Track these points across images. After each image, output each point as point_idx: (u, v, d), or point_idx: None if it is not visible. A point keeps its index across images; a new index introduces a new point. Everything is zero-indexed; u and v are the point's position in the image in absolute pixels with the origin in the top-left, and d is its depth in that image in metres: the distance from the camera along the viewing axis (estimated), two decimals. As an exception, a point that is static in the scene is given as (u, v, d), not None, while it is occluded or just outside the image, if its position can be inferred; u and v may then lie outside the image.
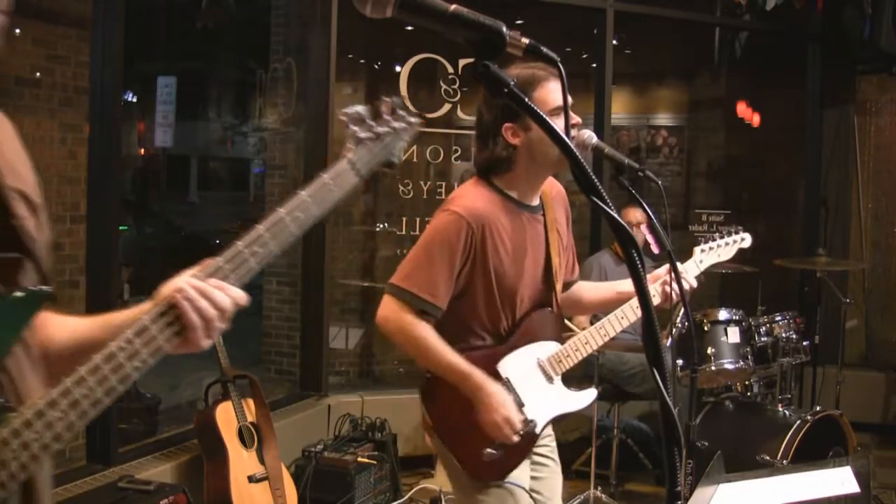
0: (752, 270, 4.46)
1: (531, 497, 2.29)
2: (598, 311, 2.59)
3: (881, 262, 6.11)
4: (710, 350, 3.90)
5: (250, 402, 3.68)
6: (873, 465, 4.74)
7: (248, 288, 1.16)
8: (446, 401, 2.17)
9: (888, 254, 6.10)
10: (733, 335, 3.93)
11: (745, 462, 3.60)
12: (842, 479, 1.67)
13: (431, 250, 2.14)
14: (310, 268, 4.82)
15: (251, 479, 3.49)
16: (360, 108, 1.27)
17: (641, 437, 4.79)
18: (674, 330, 3.92)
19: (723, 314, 3.98)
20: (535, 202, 2.27)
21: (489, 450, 2.11)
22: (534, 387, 2.24)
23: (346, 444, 4.12)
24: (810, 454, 3.62)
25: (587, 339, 2.31)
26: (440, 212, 2.18)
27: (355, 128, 1.26)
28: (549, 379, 2.29)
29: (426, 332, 2.12)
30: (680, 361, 3.89)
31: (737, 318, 3.97)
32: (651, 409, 4.87)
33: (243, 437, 3.55)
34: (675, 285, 2.26)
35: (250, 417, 3.62)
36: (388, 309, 2.15)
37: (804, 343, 4.10)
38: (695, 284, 2.42)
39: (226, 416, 3.53)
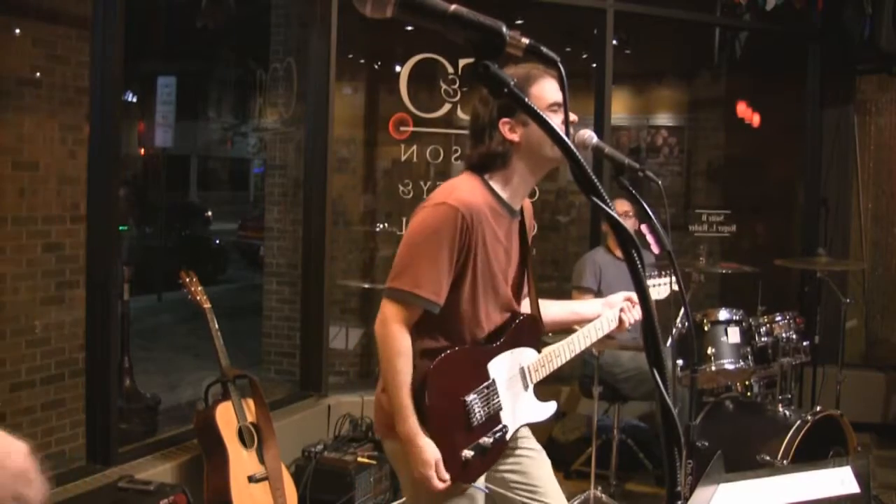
0: (752, 270, 4.46)
1: (515, 491, 2.33)
2: (553, 330, 2.59)
3: (881, 262, 6.11)
4: (710, 350, 3.90)
5: (250, 402, 3.68)
6: (873, 465, 4.74)
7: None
8: (436, 398, 2.11)
9: (888, 254, 6.10)
10: (733, 335, 3.93)
11: (745, 462, 3.60)
12: (842, 479, 1.67)
13: (430, 245, 2.07)
14: (310, 268, 4.82)
15: (251, 479, 3.49)
16: None
17: (641, 437, 4.79)
18: (674, 330, 3.92)
19: (723, 314, 3.98)
20: (518, 207, 2.26)
21: (467, 451, 2.11)
22: (513, 392, 2.25)
23: (346, 444, 4.12)
24: (810, 454, 3.62)
25: (559, 353, 2.35)
26: (433, 206, 2.11)
27: None
28: (525, 386, 2.30)
29: (403, 353, 2.07)
30: (680, 361, 3.89)
31: (737, 318, 3.97)
32: (651, 409, 4.87)
33: (243, 437, 3.55)
34: (635, 312, 2.44)
35: (250, 417, 3.62)
36: (388, 314, 2.09)
37: (804, 343, 4.10)
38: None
39: (226, 416, 3.53)
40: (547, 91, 2.16)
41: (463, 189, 2.14)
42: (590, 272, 4.52)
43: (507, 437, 2.23)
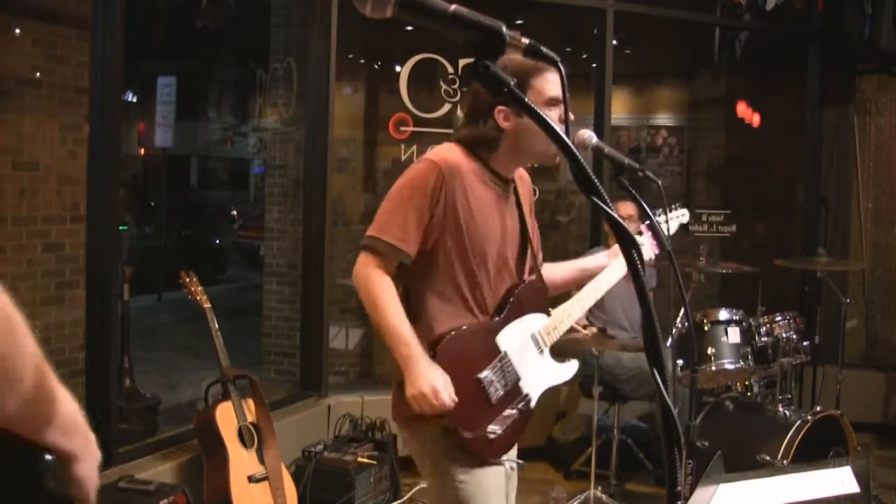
0: (753, 270, 4.46)
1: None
2: (566, 289, 2.59)
3: (881, 262, 6.11)
4: (710, 350, 3.90)
5: (250, 402, 3.68)
6: (873, 465, 4.74)
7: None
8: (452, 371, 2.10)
9: (888, 254, 6.11)
10: (733, 335, 3.93)
11: (745, 462, 3.60)
12: (842, 479, 1.67)
13: (402, 195, 2.11)
14: (310, 268, 4.82)
15: (251, 479, 3.49)
16: None
17: (641, 437, 4.79)
18: (674, 330, 3.92)
19: (723, 314, 3.98)
20: (509, 176, 2.26)
21: (493, 426, 2.11)
22: (528, 360, 2.25)
23: (346, 444, 4.12)
24: (810, 454, 3.62)
25: (569, 311, 2.35)
26: (412, 165, 2.16)
27: None
28: (541, 351, 2.30)
29: (384, 289, 2.08)
30: (680, 361, 3.89)
31: (737, 318, 3.97)
32: (651, 409, 4.87)
33: (243, 437, 3.55)
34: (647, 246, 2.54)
35: (250, 417, 3.62)
36: (360, 263, 2.11)
37: (804, 343, 4.09)
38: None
39: (226, 417, 3.53)
40: (549, 84, 2.16)
41: (444, 150, 2.18)
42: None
43: (532, 405, 2.23)
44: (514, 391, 2.19)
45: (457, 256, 2.14)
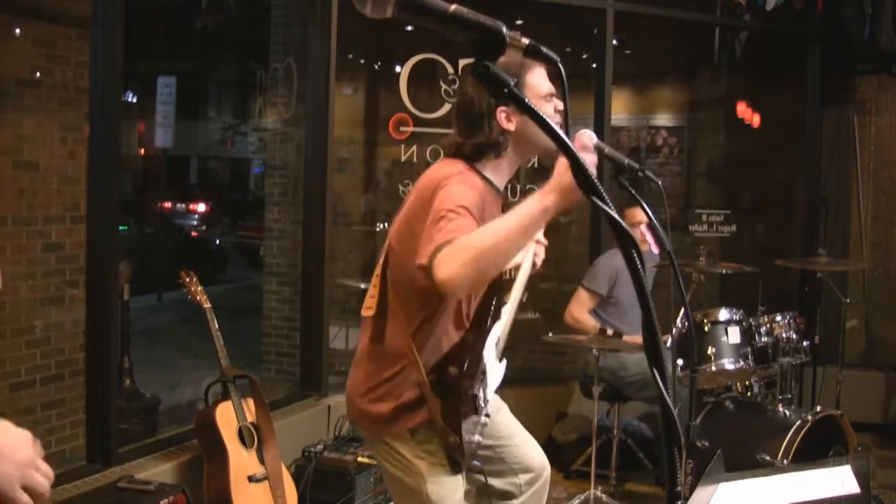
0: (753, 270, 4.46)
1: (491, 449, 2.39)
2: None
3: (881, 262, 6.11)
4: (710, 350, 3.90)
5: (250, 402, 3.68)
6: (873, 465, 4.74)
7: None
8: (454, 390, 2.15)
9: (888, 254, 6.11)
10: (733, 335, 3.93)
11: (745, 462, 3.60)
12: (842, 479, 1.67)
13: (459, 208, 1.93)
14: (310, 268, 4.82)
15: (251, 479, 3.49)
16: None
17: (641, 437, 4.79)
18: (674, 330, 3.92)
19: (723, 314, 3.98)
20: (502, 188, 2.26)
21: (475, 437, 2.17)
22: (491, 364, 2.29)
23: (346, 444, 4.12)
24: (810, 454, 3.62)
25: (509, 317, 2.39)
26: (447, 180, 2.02)
27: None
28: (498, 357, 2.36)
29: (475, 239, 1.82)
30: (680, 361, 3.89)
31: (737, 318, 3.97)
32: (651, 409, 4.87)
33: (243, 437, 3.55)
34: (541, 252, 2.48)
35: (250, 417, 3.62)
36: (446, 262, 1.81)
37: (804, 343, 4.09)
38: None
39: (226, 416, 3.53)
40: (543, 79, 2.17)
41: (469, 177, 2.10)
42: (604, 277, 4.51)
43: (488, 407, 2.29)
44: (484, 401, 2.25)
45: None
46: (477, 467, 2.30)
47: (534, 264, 2.46)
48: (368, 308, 2.23)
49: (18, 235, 3.54)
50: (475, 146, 2.16)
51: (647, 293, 1.10)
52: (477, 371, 2.18)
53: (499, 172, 2.21)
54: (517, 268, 2.46)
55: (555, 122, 2.07)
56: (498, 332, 2.32)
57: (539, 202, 1.80)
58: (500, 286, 2.29)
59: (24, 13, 3.55)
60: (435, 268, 1.81)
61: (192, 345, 7.84)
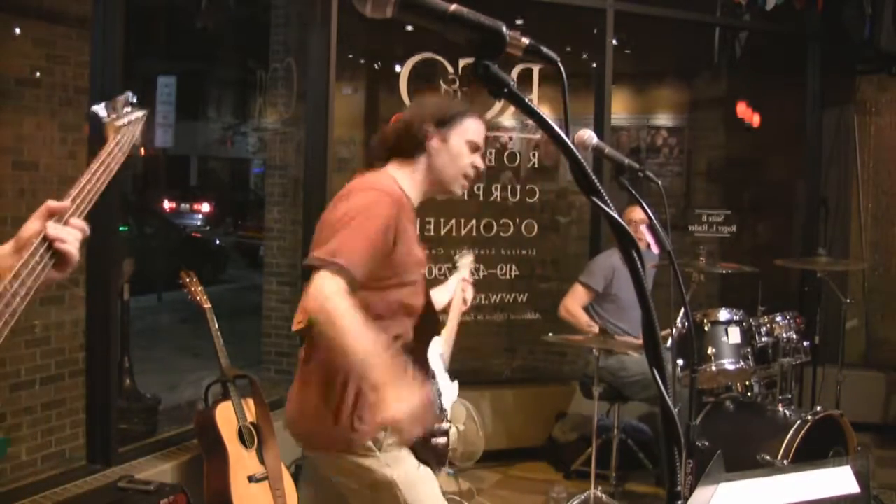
0: (753, 270, 4.46)
1: None
2: None
3: (881, 262, 6.11)
4: (710, 350, 3.90)
5: (250, 402, 3.68)
6: (873, 465, 4.74)
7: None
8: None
9: (888, 254, 6.11)
10: (734, 335, 3.93)
11: (745, 462, 3.60)
12: (842, 479, 1.67)
13: (364, 225, 2.04)
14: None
15: (251, 479, 3.49)
16: (103, 106, 1.65)
17: (641, 437, 4.79)
18: (674, 330, 3.92)
19: (723, 314, 3.98)
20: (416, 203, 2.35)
21: (439, 440, 2.23)
22: (442, 377, 2.37)
23: (346, 444, 4.11)
24: (810, 454, 3.63)
25: (448, 339, 2.56)
26: (361, 191, 2.15)
27: (109, 120, 1.65)
28: (445, 369, 2.44)
29: (350, 314, 1.91)
30: (680, 361, 3.89)
31: (737, 318, 3.97)
32: (651, 409, 4.87)
33: (243, 437, 3.55)
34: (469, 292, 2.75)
35: (250, 417, 3.62)
36: (321, 287, 1.93)
37: (804, 343, 4.09)
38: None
39: (226, 416, 3.53)
40: (479, 130, 2.33)
41: (386, 182, 2.23)
42: (601, 274, 4.53)
43: (449, 417, 2.36)
44: (442, 406, 2.31)
45: (408, 288, 2.21)
46: (451, 475, 2.35)
47: (464, 300, 2.72)
48: (299, 322, 2.18)
49: (18, 235, 3.54)
50: (390, 145, 2.32)
51: (646, 293, 1.10)
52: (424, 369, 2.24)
53: (414, 186, 2.31)
54: (449, 303, 2.72)
55: (470, 171, 2.30)
56: (439, 346, 2.40)
57: (373, 365, 1.87)
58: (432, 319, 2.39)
59: (24, 13, 3.55)
60: (315, 284, 1.94)
61: (192, 345, 7.83)
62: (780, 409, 3.91)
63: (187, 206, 16.70)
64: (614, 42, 5.29)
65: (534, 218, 5.41)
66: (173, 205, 16.28)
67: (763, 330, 4.01)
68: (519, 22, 5.16)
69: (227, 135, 18.85)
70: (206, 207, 16.80)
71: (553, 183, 6.48)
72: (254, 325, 5.66)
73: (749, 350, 3.94)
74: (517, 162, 5.40)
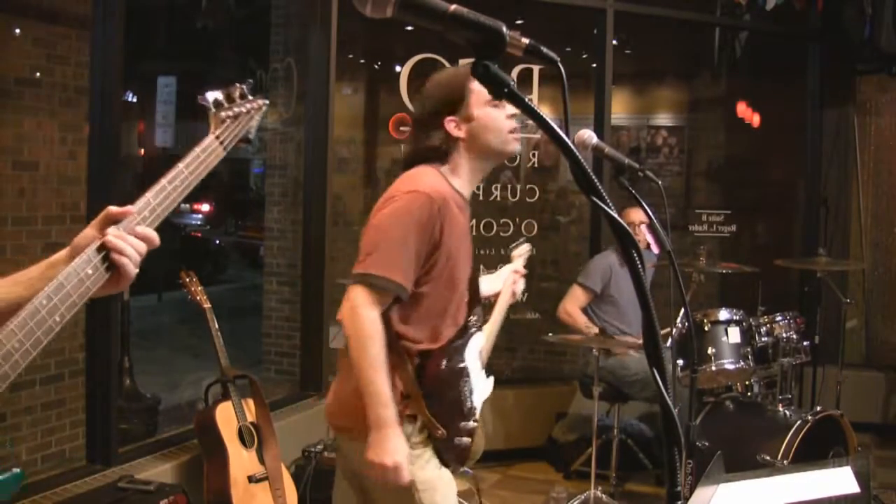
0: (753, 270, 4.46)
1: None
2: None
3: (881, 262, 6.11)
4: (710, 350, 3.90)
5: (250, 402, 3.68)
6: (873, 465, 4.74)
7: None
8: (437, 404, 2.16)
9: (888, 254, 6.10)
10: (734, 335, 3.93)
11: (745, 462, 3.60)
12: (842, 480, 1.67)
13: (402, 231, 2.07)
14: (310, 268, 4.82)
15: (251, 479, 3.49)
16: (217, 94, 1.49)
17: (641, 437, 4.79)
18: (674, 330, 3.92)
19: (723, 314, 3.98)
20: (468, 194, 2.29)
21: (463, 439, 2.20)
22: (477, 375, 2.32)
23: (346, 444, 4.11)
24: (810, 454, 3.63)
25: (489, 335, 2.49)
26: (403, 194, 2.12)
27: (215, 110, 1.47)
28: (483, 366, 2.39)
29: (377, 340, 2.04)
30: (680, 361, 3.89)
31: (737, 318, 3.97)
32: (651, 409, 4.87)
33: (243, 437, 3.55)
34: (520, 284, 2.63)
35: (250, 417, 3.62)
36: (353, 299, 2.07)
37: (804, 343, 4.10)
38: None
39: (226, 416, 3.53)
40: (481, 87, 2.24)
41: (428, 179, 2.16)
42: (598, 275, 4.53)
43: (477, 416, 2.31)
44: (472, 405, 2.27)
45: (445, 286, 2.18)
46: (468, 475, 2.33)
47: (513, 293, 2.63)
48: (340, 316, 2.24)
49: (18, 235, 3.54)
50: (417, 151, 2.23)
51: (646, 293, 1.10)
52: (460, 368, 2.21)
53: (462, 179, 2.23)
54: (497, 295, 2.62)
55: (510, 126, 2.16)
56: (479, 343, 2.36)
57: (386, 417, 2.02)
58: (479, 303, 2.37)
59: (24, 13, 3.55)
60: (351, 293, 2.07)
61: (192, 345, 7.83)
62: (780, 409, 3.91)
63: (187, 205, 16.69)
64: (614, 42, 5.29)
65: (534, 218, 5.41)
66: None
67: (763, 330, 4.01)
68: (519, 22, 5.16)
69: (227, 135, 18.83)
70: (205, 207, 16.78)
71: (553, 183, 6.48)
72: (254, 325, 5.66)
73: (749, 350, 3.94)
74: (517, 162, 5.40)
